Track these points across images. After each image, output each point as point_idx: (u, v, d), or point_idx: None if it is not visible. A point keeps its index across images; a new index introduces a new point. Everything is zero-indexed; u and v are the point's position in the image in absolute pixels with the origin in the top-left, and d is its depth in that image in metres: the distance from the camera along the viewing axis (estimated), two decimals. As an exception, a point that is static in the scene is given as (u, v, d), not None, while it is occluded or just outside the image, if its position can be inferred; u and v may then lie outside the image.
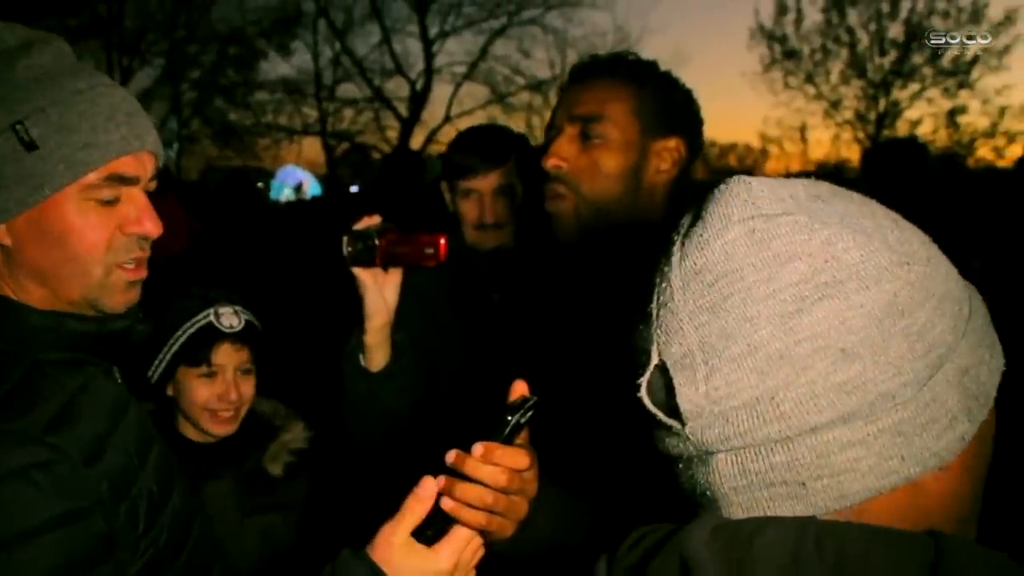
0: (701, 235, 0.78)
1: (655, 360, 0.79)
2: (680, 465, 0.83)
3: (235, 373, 2.02)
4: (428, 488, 1.12)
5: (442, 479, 1.12)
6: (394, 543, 1.12)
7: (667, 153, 1.66)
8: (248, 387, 2.05)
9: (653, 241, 1.58)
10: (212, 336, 1.98)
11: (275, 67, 28.33)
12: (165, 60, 20.94)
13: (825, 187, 0.82)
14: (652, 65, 1.70)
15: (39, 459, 1.11)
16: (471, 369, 2.16)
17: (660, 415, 0.79)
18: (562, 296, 1.79)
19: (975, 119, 18.59)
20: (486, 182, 2.21)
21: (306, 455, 2.14)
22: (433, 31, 21.58)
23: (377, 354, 1.75)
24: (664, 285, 0.80)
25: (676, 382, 0.76)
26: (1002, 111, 18.05)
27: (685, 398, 0.75)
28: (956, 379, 0.75)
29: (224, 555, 1.52)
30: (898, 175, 3.94)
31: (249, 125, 22.44)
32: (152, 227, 1.29)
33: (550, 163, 1.64)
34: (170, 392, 2.04)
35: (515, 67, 22.15)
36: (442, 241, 1.57)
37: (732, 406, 0.74)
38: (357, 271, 1.67)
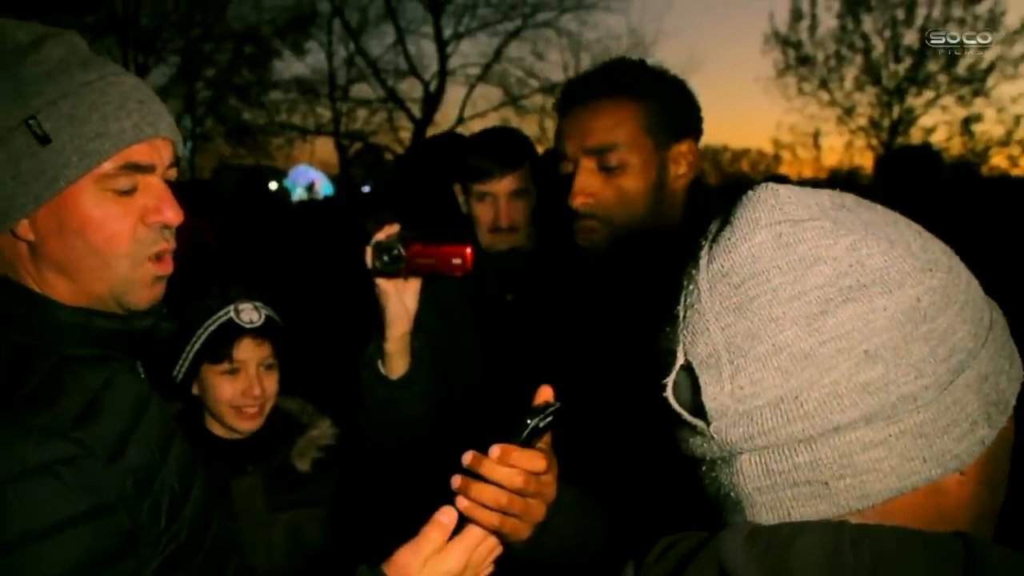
0: (729, 239, 0.80)
1: (681, 360, 0.80)
2: (703, 467, 0.84)
3: (258, 368, 2.03)
4: (449, 515, 1.12)
5: (458, 478, 1.12)
6: (412, 569, 1.13)
7: (682, 158, 1.67)
8: (271, 382, 2.06)
9: (678, 242, 1.60)
10: (233, 332, 2.00)
11: (289, 66, 28.38)
12: (180, 58, 21.04)
13: (850, 198, 0.83)
14: (646, 71, 1.69)
15: (65, 454, 1.11)
16: (487, 370, 2.17)
17: (685, 415, 0.81)
18: (588, 302, 1.79)
19: (990, 127, 18.53)
20: (501, 186, 2.22)
21: (334, 451, 2.15)
22: (447, 32, 21.65)
23: (397, 362, 1.75)
24: (691, 287, 0.81)
25: (702, 381, 0.78)
26: (1017, 119, 17.98)
27: (710, 397, 0.77)
28: (976, 385, 0.76)
29: (240, 551, 1.53)
30: (912, 182, 3.93)
31: (263, 124, 22.52)
32: (173, 215, 1.28)
33: (578, 202, 1.64)
34: (195, 391, 2.05)
35: (529, 70, 22.20)
36: (468, 251, 1.57)
37: (756, 405, 0.75)
38: (380, 281, 1.67)
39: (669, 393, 0.82)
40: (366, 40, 22.11)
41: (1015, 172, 17.40)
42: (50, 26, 1.28)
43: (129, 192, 1.24)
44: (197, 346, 2.00)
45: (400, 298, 1.68)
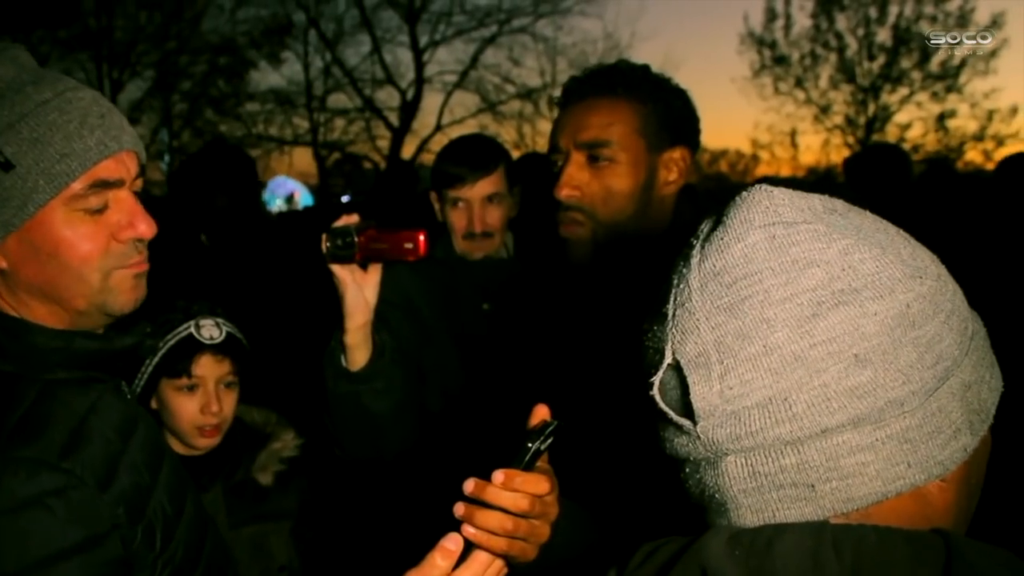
0: (722, 238, 0.80)
1: (668, 359, 0.81)
2: (688, 467, 0.85)
3: (217, 385, 2.01)
4: (455, 542, 1.10)
5: (461, 506, 1.09)
6: None
7: (673, 164, 1.68)
8: (230, 400, 2.04)
9: (664, 248, 1.60)
10: (192, 348, 1.98)
11: (266, 78, 28.29)
12: (155, 71, 20.89)
13: (840, 203, 0.84)
14: (648, 75, 1.70)
15: (55, 486, 1.10)
16: (466, 380, 2.16)
17: (672, 414, 0.81)
18: (569, 307, 1.79)
19: (964, 123, 18.72)
20: (474, 191, 2.22)
21: (297, 463, 2.13)
22: (423, 40, 21.60)
23: (357, 354, 1.74)
24: (682, 286, 0.82)
25: (690, 380, 0.78)
26: (990, 114, 18.18)
27: (699, 396, 0.78)
28: (960, 392, 0.78)
29: (235, 562, 1.52)
30: (880, 181, 3.96)
31: (240, 136, 22.35)
32: (146, 228, 1.27)
33: (564, 193, 1.66)
34: (154, 405, 2.03)
35: (505, 75, 22.16)
36: (421, 236, 1.56)
37: (745, 405, 0.76)
38: (336, 269, 1.66)
39: (656, 392, 0.82)
40: (342, 50, 22.05)
41: (989, 167, 17.57)
42: None
43: (100, 211, 1.23)
44: (156, 360, 1.98)
45: (359, 288, 1.68)
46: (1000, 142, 18.28)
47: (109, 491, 1.16)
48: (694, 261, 0.82)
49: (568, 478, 1.28)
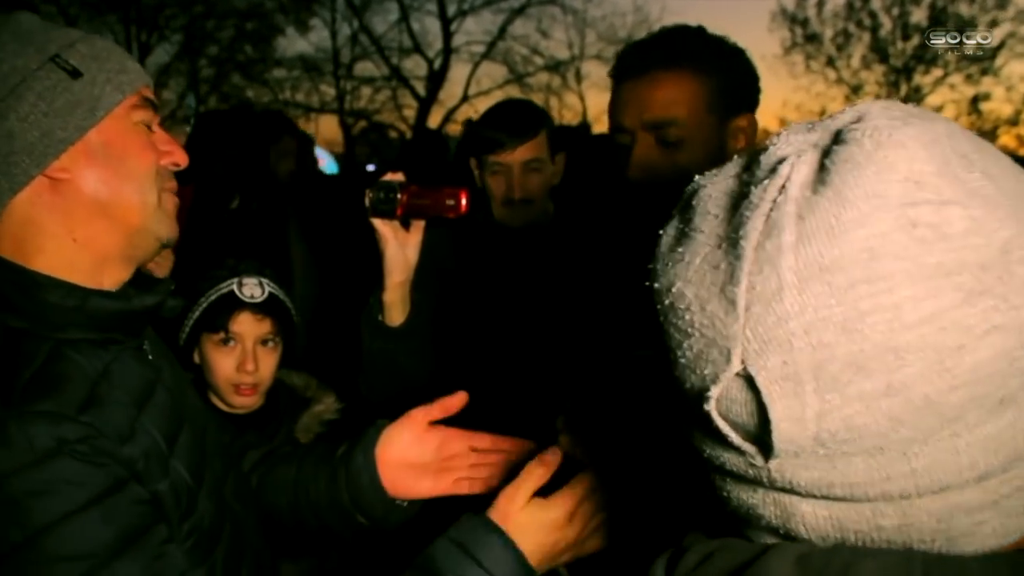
0: (836, 215, 0.57)
1: (736, 367, 0.61)
2: (734, 482, 0.68)
3: (255, 344, 2.02)
4: (555, 453, 1.11)
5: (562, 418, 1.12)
6: (516, 504, 1.15)
7: (740, 132, 1.63)
8: (269, 360, 2.04)
9: None
10: (232, 304, 2.00)
11: (293, 44, 28.34)
12: (183, 35, 20.93)
13: (962, 137, 0.63)
14: (709, 41, 1.62)
15: (76, 435, 1.08)
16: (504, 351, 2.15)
17: (735, 438, 0.63)
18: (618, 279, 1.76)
19: (998, 106, 18.46)
20: (513, 156, 2.19)
21: (338, 426, 2.14)
22: (451, 10, 21.51)
23: (395, 312, 1.75)
24: (764, 269, 0.59)
25: (772, 411, 0.59)
26: (1026, 98, 17.90)
27: (783, 434, 0.59)
28: None
29: (262, 532, 1.51)
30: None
31: (266, 102, 22.40)
32: (181, 157, 1.32)
33: (636, 176, 1.60)
34: (196, 360, 2.05)
35: (534, 47, 22.07)
36: (463, 193, 1.56)
37: (846, 452, 0.59)
38: (377, 223, 1.66)
39: (713, 406, 0.63)
40: (370, 17, 22.02)
41: (1023, 152, 17.32)
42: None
43: (149, 127, 1.28)
44: (197, 314, 2.01)
45: (399, 245, 1.68)
46: (1034, 127, 18.03)
47: (128, 446, 1.15)
48: (786, 237, 0.58)
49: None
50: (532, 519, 1.16)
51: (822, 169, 0.60)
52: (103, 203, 1.23)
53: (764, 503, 0.66)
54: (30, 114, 1.17)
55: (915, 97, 18.76)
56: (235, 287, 2.00)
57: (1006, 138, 18.41)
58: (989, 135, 18.23)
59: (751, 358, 0.59)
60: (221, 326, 1.99)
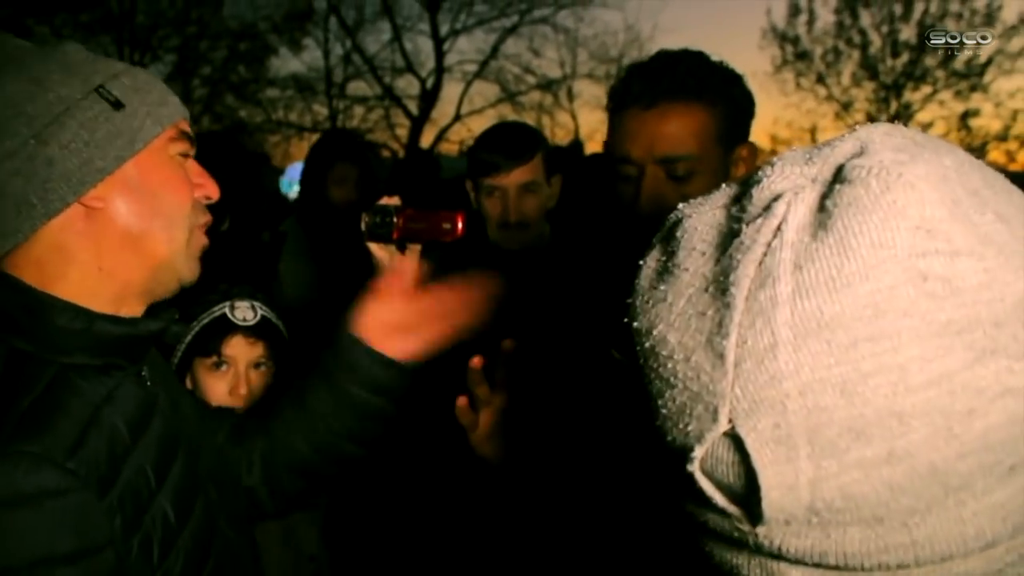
0: (838, 267, 0.52)
1: (724, 427, 0.56)
2: (715, 539, 0.63)
3: (247, 367, 2.01)
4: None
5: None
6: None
7: (741, 162, 1.62)
8: (260, 383, 2.03)
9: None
10: (224, 328, 1.99)
11: (286, 64, 28.45)
12: (176, 56, 20.96)
13: (972, 170, 0.58)
14: (712, 70, 1.59)
15: (55, 486, 1.07)
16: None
17: (719, 500, 0.58)
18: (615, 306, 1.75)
19: (987, 122, 18.52)
20: (509, 179, 2.19)
21: None
22: (444, 29, 21.57)
23: None
24: (757, 322, 0.54)
25: (762, 477, 0.54)
26: (1015, 114, 17.96)
27: (774, 502, 0.54)
28: None
29: (252, 561, 1.50)
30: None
31: (259, 122, 22.44)
32: (213, 190, 1.34)
33: (647, 210, 1.57)
34: (188, 385, 2.03)
35: (526, 66, 22.13)
36: (459, 216, 1.55)
37: (842, 521, 0.54)
38: (373, 247, 1.65)
39: (697, 467, 0.57)
40: (363, 37, 22.07)
41: (1013, 167, 17.42)
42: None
43: (185, 159, 1.31)
44: (189, 338, 2.00)
45: (396, 270, 1.66)
46: (1024, 142, 18.14)
47: (109, 495, 1.12)
48: (781, 288, 0.53)
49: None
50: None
51: (822, 210, 0.55)
52: (134, 235, 1.24)
53: (749, 566, 0.61)
54: (71, 142, 1.18)
55: (905, 114, 18.85)
56: (227, 310, 2.00)
57: (995, 153, 18.49)
58: (979, 151, 18.31)
59: (740, 418, 0.54)
60: (213, 350, 1.98)
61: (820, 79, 19.37)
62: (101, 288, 1.23)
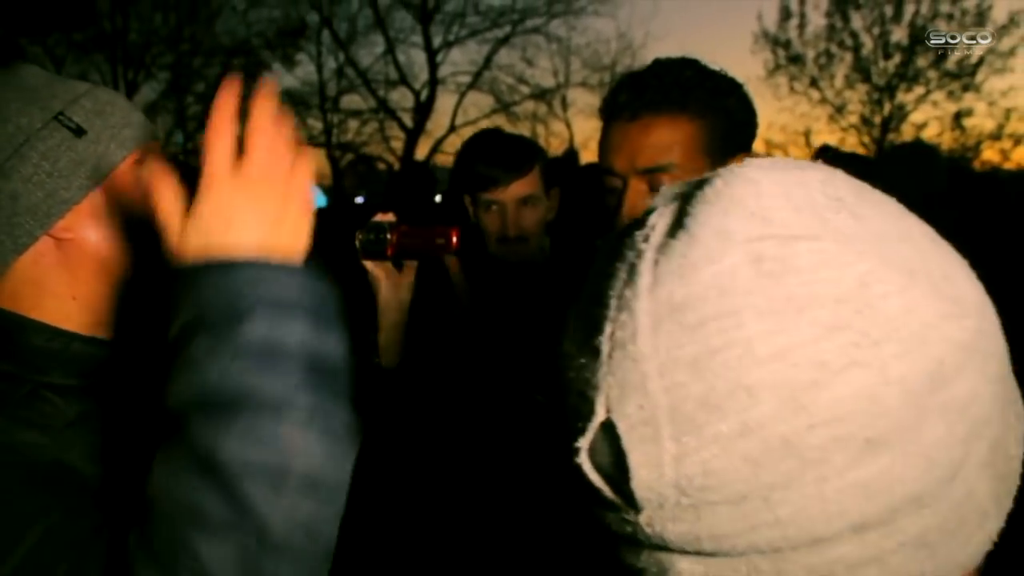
0: (685, 254, 0.56)
1: (601, 416, 0.58)
2: (618, 542, 0.64)
3: None
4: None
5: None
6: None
7: None
8: None
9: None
10: None
11: (279, 79, 28.38)
12: (170, 73, 20.97)
13: (843, 183, 0.61)
14: (703, 81, 1.53)
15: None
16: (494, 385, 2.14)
17: (606, 490, 0.59)
18: None
19: (981, 121, 18.58)
20: (507, 193, 2.18)
21: None
22: (437, 41, 21.61)
23: (390, 354, 1.73)
24: (622, 315, 0.57)
25: (631, 458, 0.56)
26: (1008, 113, 18.03)
27: (643, 482, 0.56)
28: (988, 459, 0.57)
29: None
30: (914, 180, 3.90)
31: (254, 137, 22.45)
32: None
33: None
34: None
35: (519, 76, 22.16)
36: (454, 232, 1.55)
37: (709, 500, 0.55)
38: (369, 265, 1.65)
39: (584, 459, 0.59)
40: (356, 51, 22.09)
41: (1007, 166, 17.46)
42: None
43: None
44: None
45: (392, 286, 1.67)
46: (1018, 141, 18.17)
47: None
48: (642, 280, 0.57)
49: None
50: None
51: (682, 214, 0.60)
52: (106, 262, 1.22)
53: (647, 564, 0.62)
54: (34, 175, 1.16)
55: (899, 115, 18.91)
56: None
57: (989, 152, 18.54)
58: (973, 150, 18.36)
59: (613, 404, 0.57)
60: None
61: (813, 82, 19.42)
62: (77, 316, 1.22)
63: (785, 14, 19.11)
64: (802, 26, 19.05)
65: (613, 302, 0.59)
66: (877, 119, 19.12)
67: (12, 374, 1.15)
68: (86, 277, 1.22)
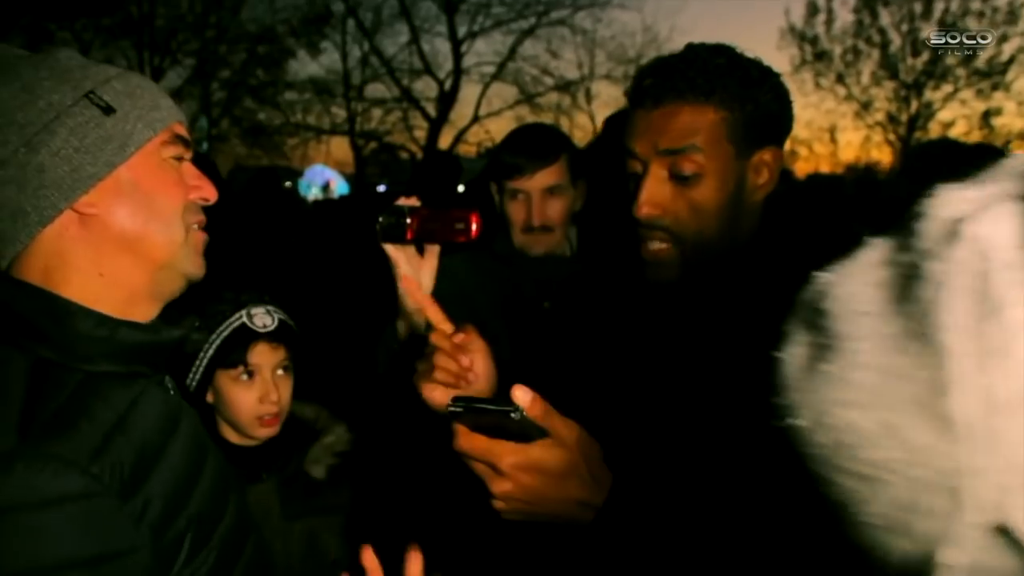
0: None
1: (976, 512, 0.43)
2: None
3: (273, 373, 1.99)
4: None
5: None
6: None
7: (764, 167, 1.50)
8: (287, 387, 2.01)
9: (751, 259, 1.45)
10: (247, 337, 1.95)
11: (304, 67, 28.61)
12: (195, 59, 21.10)
13: None
14: (734, 68, 1.48)
15: (78, 490, 1.06)
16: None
17: None
18: (652, 325, 1.69)
19: (1010, 120, 18.37)
20: (533, 182, 2.16)
21: (349, 458, 2.11)
22: (462, 31, 21.63)
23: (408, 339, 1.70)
24: (991, 363, 0.42)
25: None
26: (1037, 112, 17.83)
27: None
28: None
29: (275, 567, 1.49)
30: (941, 176, 3.85)
31: (278, 124, 22.58)
32: (210, 192, 1.33)
33: (644, 212, 1.48)
34: (210, 399, 2.00)
35: (543, 67, 22.22)
36: (473, 216, 1.51)
37: None
38: (389, 249, 1.62)
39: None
40: (380, 39, 22.17)
41: (1036, 166, 17.21)
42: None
43: (179, 161, 1.30)
44: (211, 352, 1.95)
45: (413, 272, 1.64)
46: (1047, 141, 17.95)
47: (134, 499, 1.12)
48: (1018, 314, 0.43)
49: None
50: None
51: None
52: (129, 239, 1.24)
53: None
54: (61, 149, 1.18)
55: (926, 113, 18.72)
56: (245, 319, 1.97)
57: (1019, 151, 18.32)
58: (1001, 150, 18.13)
59: (999, 495, 0.41)
60: (239, 360, 1.95)
61: (839, 79, 19.28)
62: (106, 294, 1.23)
63: (812, 9, 18.99)
64: (829, 22, 18.92)
65: (957, 346, 0.43)
66: (904, 117, 18.95)
67: (61, 363, 1.16)
68: (110, 253, 1.23)
